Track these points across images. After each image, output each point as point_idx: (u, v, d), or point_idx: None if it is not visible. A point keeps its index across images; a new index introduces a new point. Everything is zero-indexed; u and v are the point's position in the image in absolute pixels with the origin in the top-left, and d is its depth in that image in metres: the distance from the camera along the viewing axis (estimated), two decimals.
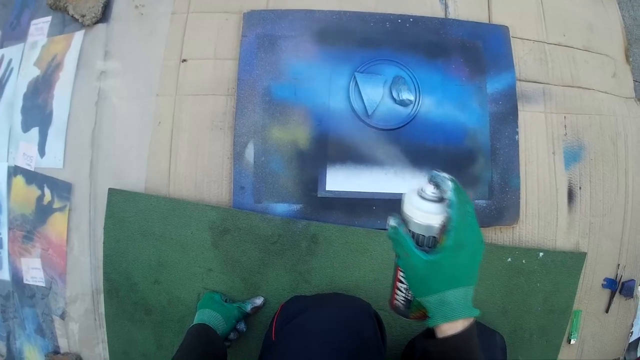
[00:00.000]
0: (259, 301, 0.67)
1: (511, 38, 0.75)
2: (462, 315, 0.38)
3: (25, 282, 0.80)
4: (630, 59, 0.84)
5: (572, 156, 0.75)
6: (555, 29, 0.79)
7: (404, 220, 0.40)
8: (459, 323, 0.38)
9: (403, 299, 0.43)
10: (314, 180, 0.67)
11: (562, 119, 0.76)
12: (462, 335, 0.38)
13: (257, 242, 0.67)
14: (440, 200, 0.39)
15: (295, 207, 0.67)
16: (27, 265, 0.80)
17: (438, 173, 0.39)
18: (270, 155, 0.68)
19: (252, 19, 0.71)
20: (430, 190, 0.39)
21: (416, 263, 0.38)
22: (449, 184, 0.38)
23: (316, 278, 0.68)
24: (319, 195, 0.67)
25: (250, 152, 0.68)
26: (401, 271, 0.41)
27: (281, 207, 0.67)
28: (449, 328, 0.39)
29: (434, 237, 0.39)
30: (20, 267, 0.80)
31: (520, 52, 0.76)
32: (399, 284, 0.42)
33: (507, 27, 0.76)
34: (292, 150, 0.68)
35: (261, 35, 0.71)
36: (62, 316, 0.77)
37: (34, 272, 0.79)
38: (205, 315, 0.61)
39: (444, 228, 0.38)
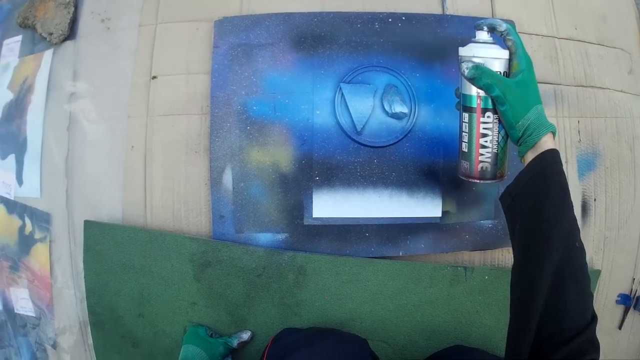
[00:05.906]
0: (246, 335, 0.54)
1: (517, 34, 0.57)
2: (554, 126, 0.40)
3: (16, 311, 0.68)
4: None
5: (587, 165, 0.58)
6: (565, 21, 0.60)
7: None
8: (551, 139, 0.39)
9: (489, 154, 0.41)
10: (299, 207, 0.52)
11: (575, 124, 0.58)
12: (557, 151, 0.39)
13: (241, 275, 0.53)
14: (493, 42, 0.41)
15: (280, 236, 0.53)
16: (15, 295, 0.67)
17: (483, 19, 0.42)
18: (250, 180, 0.53)
19: (224, 27, 0.55)
20: (485, 35, 0.41)
21: (511, 83, 0.39)
22: (498, 21, 0.41)
23: (306, 311, 0.54)
24: (305, 223, 0.52)
25: (228, 178, 0.53)
26: (483, 123, 0.41)
27: (264, 237, 0.53)
28: (546, 141, 0.38)
29: (504, 71, 0.40)
30: (10, 297, 0.68)
31: (527, 49, 0.57)
32: (482, 140, 0.41)
33: (512, 22, 0.58)
34: (274, 174, 0.53)
35: (235, 45, 0.54)
36: (54, 346, 0.65)
37: (22, 302, 0.66)
38: (189, 353, 0.50)
39: (510, 57, 0.41)
